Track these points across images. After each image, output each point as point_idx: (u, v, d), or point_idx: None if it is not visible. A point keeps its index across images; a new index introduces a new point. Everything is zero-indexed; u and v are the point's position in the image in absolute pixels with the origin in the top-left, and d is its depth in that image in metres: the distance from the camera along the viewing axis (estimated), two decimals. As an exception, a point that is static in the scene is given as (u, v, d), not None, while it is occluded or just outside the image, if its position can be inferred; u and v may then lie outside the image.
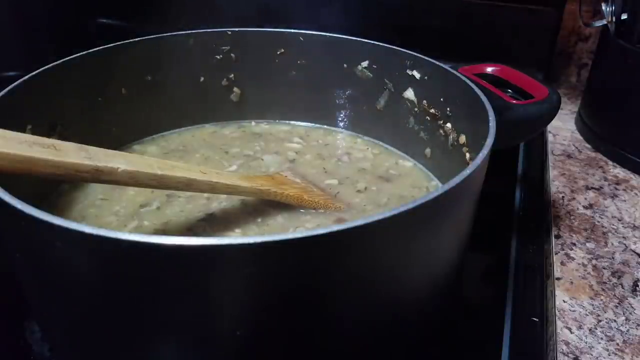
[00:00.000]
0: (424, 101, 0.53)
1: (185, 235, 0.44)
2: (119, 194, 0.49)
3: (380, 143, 0.60)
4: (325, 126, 0.63)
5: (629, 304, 0.45)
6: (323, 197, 0.49)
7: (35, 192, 0.46)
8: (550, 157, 0.67)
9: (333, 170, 0.55)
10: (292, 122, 0.64)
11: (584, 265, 0.49)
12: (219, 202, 0.48)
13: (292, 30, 0.58)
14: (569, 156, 0.67)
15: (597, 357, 0.40)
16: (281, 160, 0.56)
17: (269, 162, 0.56)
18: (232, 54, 0.59)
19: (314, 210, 0.48)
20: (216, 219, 0.47)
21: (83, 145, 0.35)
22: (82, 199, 0.49)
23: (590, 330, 0.42)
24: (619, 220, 0.55)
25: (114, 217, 0.47)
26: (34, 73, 0.45)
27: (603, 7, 0.66)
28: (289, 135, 0.61)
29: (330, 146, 0.60)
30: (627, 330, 0.42)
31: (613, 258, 0.50)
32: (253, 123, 0.63)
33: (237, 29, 0.58)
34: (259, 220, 0.47)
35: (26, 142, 0.32)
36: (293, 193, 0.47)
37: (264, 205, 0.48)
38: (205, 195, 0.49)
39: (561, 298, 0.45)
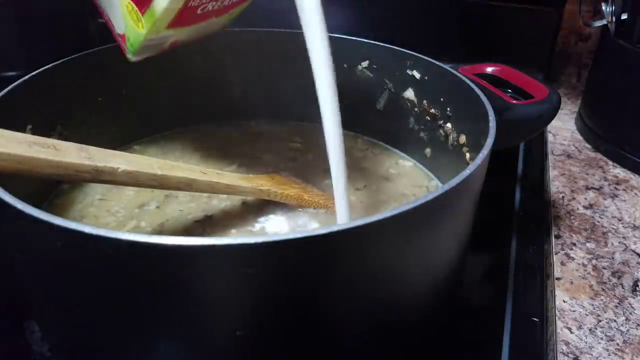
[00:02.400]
0: (424, 101, 0.53)
1: (183, 235, 0.44)
2: (117, 194, 0.49)
3: (381, 143, 0.60)
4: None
5: (629, 304, 0.45)
6: (323, 197, 0.49)
7: (35, 192, 0.47)
8: (550, 157, 0.67)
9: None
10: (292, 121, 0.64)
11: (584, 265, 0.49)
12: (219, 202, 0.48)
13: (292, 31, 0.58)
14: (569, 156, 0.67)
15: (597, 357, 0.40)
16: (281, 160, 0.56)
17: (268, 161, 0.56)
18: (232, 54, 0.59)
19: (314, 210, 0.48)
20: (215, 219, 0.47)
21: (83, 145, 0.35)
22: (81, 199, 0.49)
23: (590, 330, 0.42)
24: (619, 220, 0.55)
25: (113, 218, 0.47)
26: (34, 73, 0.45)
27: (603, 7, 0.66)
28: (288, 135, 0.61)
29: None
30: (627, 330, 0.42)
31: (613, 258, 0.50)
32: (253, 123, 0.63)
33: (237, 29, 0.58)
34: (259, 220, 0.47)
35: (26, 142, 0.32)
36: (293, 193, 0.47)
37: (264, 205, 0.48)
38: (205, 194, 0.49)
39: (561, 298, 0.45)
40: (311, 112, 0.62)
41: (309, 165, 0.56)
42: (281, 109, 0.63)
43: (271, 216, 0.47)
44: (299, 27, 0.58)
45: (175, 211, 0.47)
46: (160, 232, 0.45)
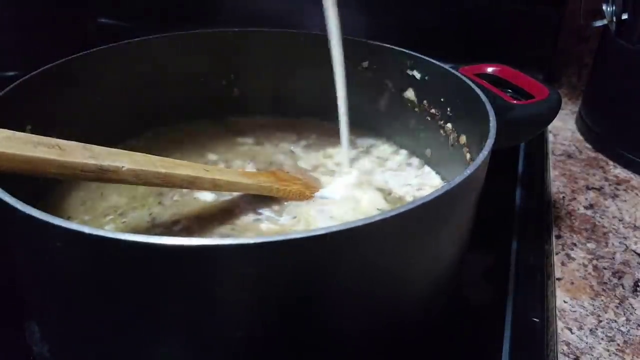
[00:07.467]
0: (425, 101, 0.53)
1: (165, 232, 0.44)
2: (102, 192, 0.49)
3: (381, 142, 0.60)
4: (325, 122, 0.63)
5: (630, 304, 0.45)
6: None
7: (35, 190, 0.47)
8: (551, 157, 0.67)
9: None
10: (291, 120, 0.63)
11: (585, 265, 0.49)
12: (198, 196, 0.48)
13: (293, 31, 0.58)
14: (570, 156, 0.67)
15: (597, 358, 0.40)
16: (278, 155, 0.56)
17: (260, 158, 0.56)
18: (232, 54, 0.59)
19: (296, 203, 0.48)
20: (196, 214, 0.46)
21: (87, 145, 0.35)
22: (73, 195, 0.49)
23: (590, 330, 0.42)
24: (620, 220, 0.55)
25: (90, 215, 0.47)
26: (34, 73, 0.45)
27: (603, 7, 0.66)
28: (287, 134, 0.61)
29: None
30: (628, 331, 0.42)
31: (614, 258, 0.50)
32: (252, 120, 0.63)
33: (237, 29, 0.58)
34: (241, 215, 0.46)
35: (31, 142, 0.32)
36: (295, 189, 0.48)
37: (245, 199, 0.48)
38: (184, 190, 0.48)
39: (562, 298, 0.45)
40: (311, 113, 0.63)
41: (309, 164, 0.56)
42: (281, 108, 0.63)
43: (254, 210, 0.47)
44: (302, 27, 0.59)
45: (155, 206, 0.47)
46: (135, 230, 0.45)
